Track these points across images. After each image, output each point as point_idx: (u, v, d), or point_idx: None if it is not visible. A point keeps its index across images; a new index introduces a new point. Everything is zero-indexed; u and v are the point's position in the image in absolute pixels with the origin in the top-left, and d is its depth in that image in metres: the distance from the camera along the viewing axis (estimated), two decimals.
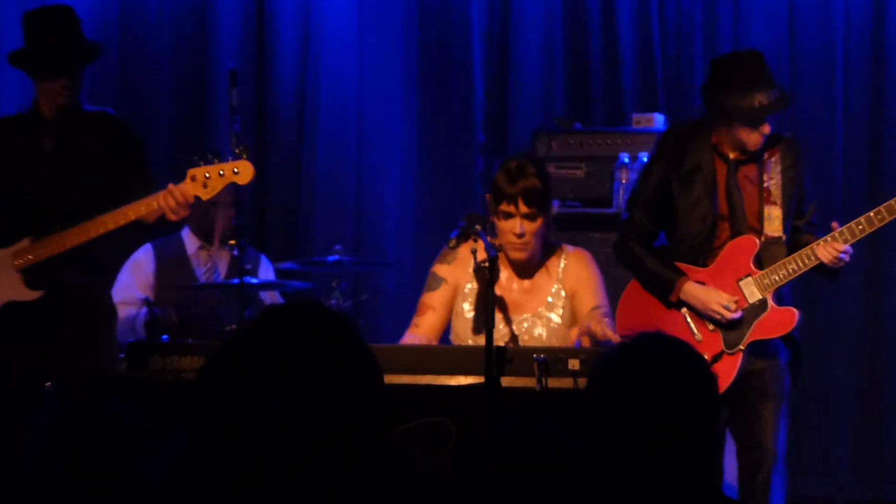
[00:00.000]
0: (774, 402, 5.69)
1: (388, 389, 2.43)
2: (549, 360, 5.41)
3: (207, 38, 8.76)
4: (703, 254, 5.75)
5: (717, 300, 5.64)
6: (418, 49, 8.63)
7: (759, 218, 5.74)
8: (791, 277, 5.63)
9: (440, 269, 6.08)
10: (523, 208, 5.79)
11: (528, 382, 5.40)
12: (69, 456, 3.57)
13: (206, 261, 7.34)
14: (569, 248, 6.05)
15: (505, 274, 5.84)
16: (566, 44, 8.41)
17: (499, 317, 5.78)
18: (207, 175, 5.99)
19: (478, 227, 5.62)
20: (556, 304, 6.00)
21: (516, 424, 3.22)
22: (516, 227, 5.82)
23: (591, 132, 7.44)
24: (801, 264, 5.63)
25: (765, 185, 5.75)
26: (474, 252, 5.64)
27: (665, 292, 5.74)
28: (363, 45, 8.70)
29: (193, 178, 5.98)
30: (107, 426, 3.63)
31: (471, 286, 6.02)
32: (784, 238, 5.67)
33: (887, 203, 5.54)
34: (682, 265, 5.76)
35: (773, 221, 5.72)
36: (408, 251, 7.91)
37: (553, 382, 5.37)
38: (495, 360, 5.35)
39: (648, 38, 8.35)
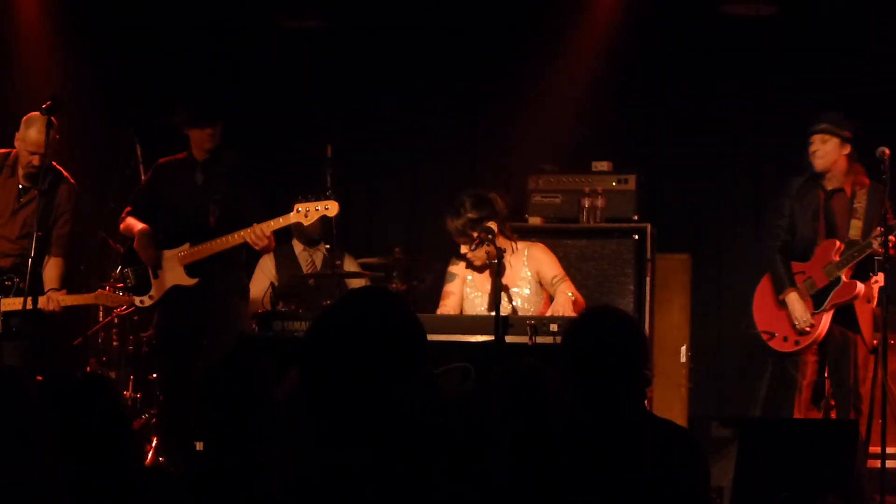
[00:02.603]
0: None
1: (430, 343, 2.58)
2: (537, 324, 6.19)
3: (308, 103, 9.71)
4: (809, 250, 7.20)
5: (800, 315, 7.15)
6: None
7: (847, 227, 7.10)
8: (854, 261, 7.05)
9: (453, 269, 6.94)
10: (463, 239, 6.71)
11: (523, 339, 6.15)
12: (219, 389, 3.79)
13: (308, 259, 8.13)
14: (529, 243, 6.93)
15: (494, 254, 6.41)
16: (550, 109, 9.15)
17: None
18: (308, 209, 6.80)
19: (490, 237, 6.51)
20: (526, 280, 6.82)
21: (512, 367, 4.03)
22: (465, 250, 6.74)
23: (565, 173, 8.08)
24: (859, 252, 7.01)
25: (854, 206, 7.08)
26: (488, 252, 6.54)
27: (779, 291, 7.23)
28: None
29: (298, 210, 6.82)
30: (244, 369, 3.84)
31: (471, 277, 6.84)
32: (861, 240, 7.02)
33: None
34: (795, 263, 7.21)
35: (855, 230, 7.09)
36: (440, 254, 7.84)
37: (540, 339, 6.12)
38: (501, 324, 6.08)
39: (600, 110, 9.02)
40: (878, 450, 6.60)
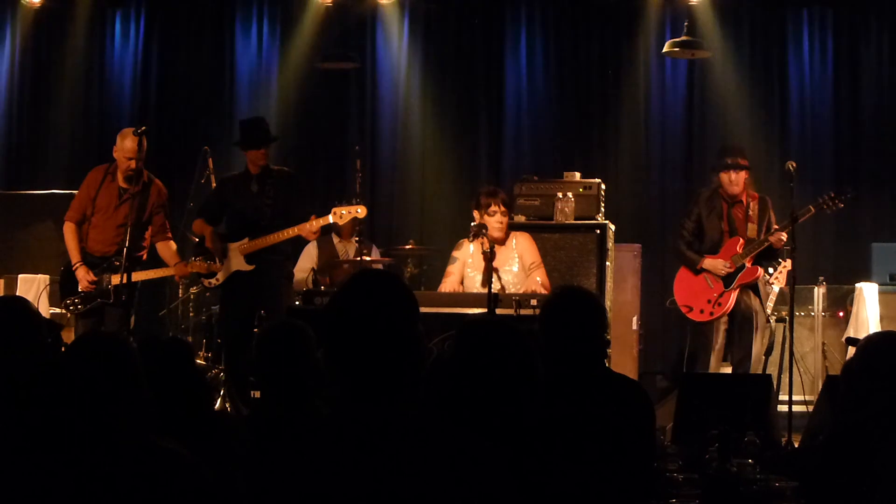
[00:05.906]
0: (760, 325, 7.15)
1: (434, 315, 2.58)
2: (521, 300, 6.36)
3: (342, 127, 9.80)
4: (716, 248, 7.26)
5: (721, 265, 7.19)
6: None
7: (745, 229, 7.21)
8: (755, 252, 7.16)
9: (455, 253, 7.03)
10: (501, 208, 6.82)
11: (510, 311, 6.28)
12: (275, 350, 3.83)
13: (343, 248, 8.09)
14: (517, 232, 7.06)
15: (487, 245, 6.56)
16: (531, 131, 9.64)
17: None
18: (342, 212, 6.87)
19: (483, 231, 6.60)
20: (513, 261, 6.92)
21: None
22: (498, 217, 6.82)
23: (543, 181, 7.84)
24: (759, 244, 7.13)
25: (749, 213, 7.19)
26: (482, 244, 6.60)
27: (695, 266, 7.25)
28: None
29: (334, 213, 6.86)
30: (292, 334, 3.88)
31: (471, 260, 6.89)
32: (756, 238, 7.16)
33: (804, 208, 6.95)
34: (708, 256, 7.25)
35: (752, 231, 7.21)
36: (445, 245, 7.95)
37: (523, 312, 6.26)
38: (493, 300, 6.28)
39: (568, 127, 9.44)
40: (786, 398, 6.61)
